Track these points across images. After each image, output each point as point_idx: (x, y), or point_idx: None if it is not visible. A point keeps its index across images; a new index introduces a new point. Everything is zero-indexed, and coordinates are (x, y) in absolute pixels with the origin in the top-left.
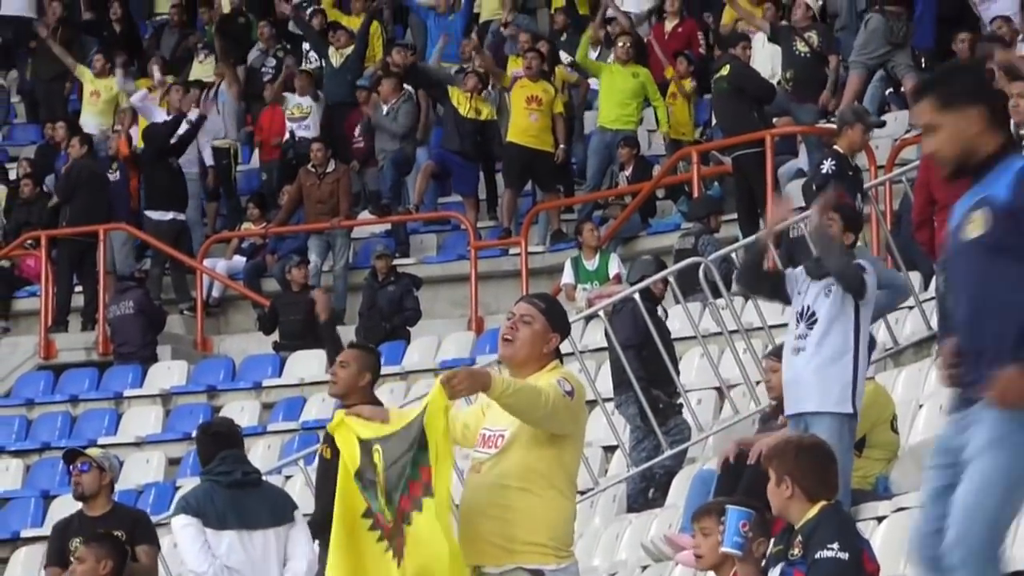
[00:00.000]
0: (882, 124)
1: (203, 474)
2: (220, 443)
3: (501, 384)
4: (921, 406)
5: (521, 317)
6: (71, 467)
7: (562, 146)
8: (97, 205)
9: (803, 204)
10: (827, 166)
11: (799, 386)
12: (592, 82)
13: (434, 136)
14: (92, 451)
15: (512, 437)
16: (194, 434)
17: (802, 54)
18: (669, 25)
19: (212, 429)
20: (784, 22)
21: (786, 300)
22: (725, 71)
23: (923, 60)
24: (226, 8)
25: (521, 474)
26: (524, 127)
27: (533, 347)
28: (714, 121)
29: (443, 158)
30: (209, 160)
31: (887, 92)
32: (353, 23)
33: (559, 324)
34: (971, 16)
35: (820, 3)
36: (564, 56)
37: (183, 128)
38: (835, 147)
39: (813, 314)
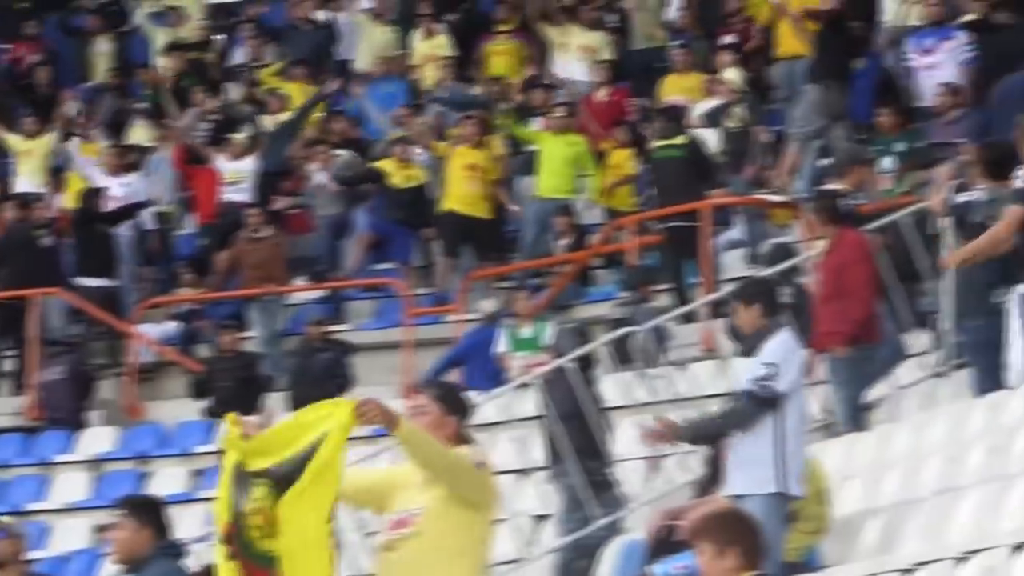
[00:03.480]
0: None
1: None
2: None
3: (408, 427)
4: (852, 478)
5: (418, 408)
6: None
7: (513, 207)
8: (30, 269)
9: (738, 274)
10: (845, 206)
11: (730, 467)
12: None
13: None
14: (4, 519)
15: (427, 515)
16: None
17: (732, 129)
18: (600, 95)
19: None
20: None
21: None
22: (680, 140)
23: (859, 132)
24: (168, 73)
25: (437, 551)
26: (462, 194)
27: (433, 432)
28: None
29: (379, 227)
30: (150, 224)
31: (823, 163)
32: (292, 89)
33: (455, 407)
34: (902, 88)
35: (750, 76)
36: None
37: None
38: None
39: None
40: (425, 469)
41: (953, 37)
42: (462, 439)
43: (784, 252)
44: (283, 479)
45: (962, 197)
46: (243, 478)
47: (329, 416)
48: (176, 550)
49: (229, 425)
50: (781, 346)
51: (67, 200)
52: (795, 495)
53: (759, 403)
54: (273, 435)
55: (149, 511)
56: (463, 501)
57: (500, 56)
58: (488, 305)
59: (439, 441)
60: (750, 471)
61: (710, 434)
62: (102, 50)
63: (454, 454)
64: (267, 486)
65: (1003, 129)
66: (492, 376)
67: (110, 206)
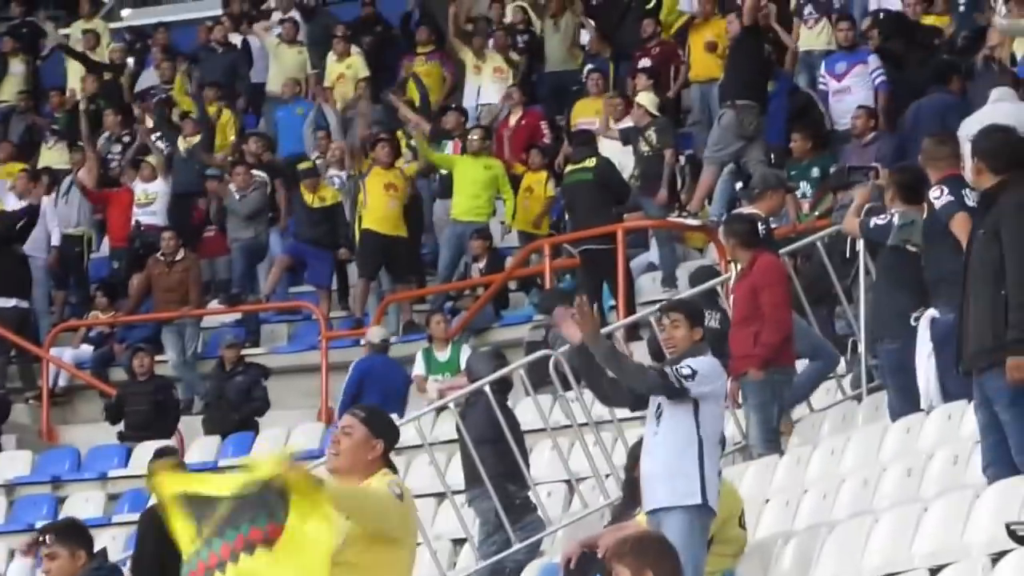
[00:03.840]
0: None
1: (98, 571)
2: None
3: (332, 488)
4: (768, 501)
5: (343, 429)
6: None
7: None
8: None
9: (653, 298)
10: (761, 230)
11: (652, 481)
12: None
13: (290, 223)
14: None
15: (344, 546)
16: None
17: (645, 152)
18: (513, 118)
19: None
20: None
21: (625, 403)
22: (591, 163)
23: (773, 156)
24: (78, 95)
25: None
26: (382, 214)
27: (356, 456)
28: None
29: (296, 249)
30: (56, 241)
31: (738, 187)
32: (211, 113)
33: (382, 431)
34: (815, 112)
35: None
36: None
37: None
38: (754, 211)
39: (660, 410)
40: (355, 520)
41: (865, 61)
42: (386, 463)
43: (708, 274)
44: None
45: (877, 220)
46: (199, 504)
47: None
48: (110, 569)
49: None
50: (707, 362)
51: None
52: (715, 510)
53: (664, 383)
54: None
55: (78, 535)
56: (384, 539)
57: (415, 79)
58: (376, 334)
59: (361, 467)
60: (673, 483)
61: (610, 363)
62: (15, 71)
63: (378, 498)
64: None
65: (916, 153)
66: (391, 402)
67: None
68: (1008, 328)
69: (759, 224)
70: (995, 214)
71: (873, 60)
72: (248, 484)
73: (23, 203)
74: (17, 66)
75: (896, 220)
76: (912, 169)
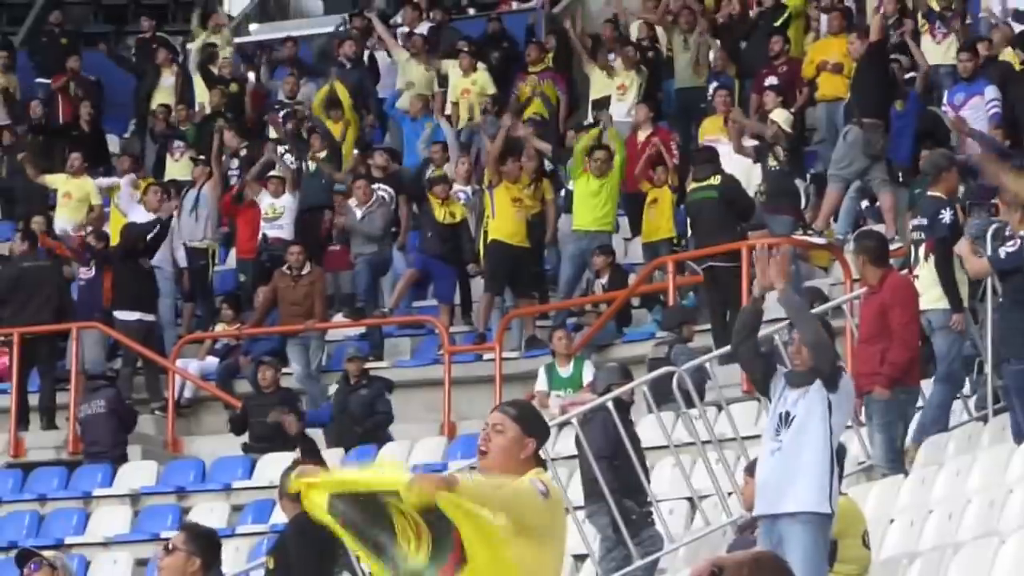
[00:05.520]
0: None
1: None
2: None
3: (462, 484)
4: (892, 521)
5: (494, 427)
6: (23, 568)
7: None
8: (64, 303)
9: (775, 316)
10: (947, 215)
11: (776, 487)
12: None
13: (410, 239)
14: (45, 552)
15: (481, 548)
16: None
17: (773, 168)
18: (642, 135)
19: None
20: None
21: (764, 391)
22: (715, 181)
23: (900, 174)
24: (207, 109)
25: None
26: (509, 227)
27: (508, 455)
28: (689, 231)
29: (424, 263)
30: (183, 262)
31: (863, 205)
32: (338, 128)
33: (534, 429)
34: (943, 130)
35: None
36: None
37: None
38: (935, 195)
39: (791, 418)
40: (489, 507)
41: (982, 93)
42: (538, 462)
43: (817, 295)
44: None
45: (1007, 249)
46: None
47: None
48: None
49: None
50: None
51: (111, 235)
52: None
53: (834, 359)
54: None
55: (204, 543)
56: (525, 531)
57: (539, 95)
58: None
59: (512, 466)
60: (803, 490)
61: (799, 314)
62: (166, 84)
63: (510, 488)
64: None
65: None
66: None
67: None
68: None
69: (946, 209)
70: None
71: (990, 91)
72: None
73: (151, 215)
74: (168, 79)
75: None
76: None
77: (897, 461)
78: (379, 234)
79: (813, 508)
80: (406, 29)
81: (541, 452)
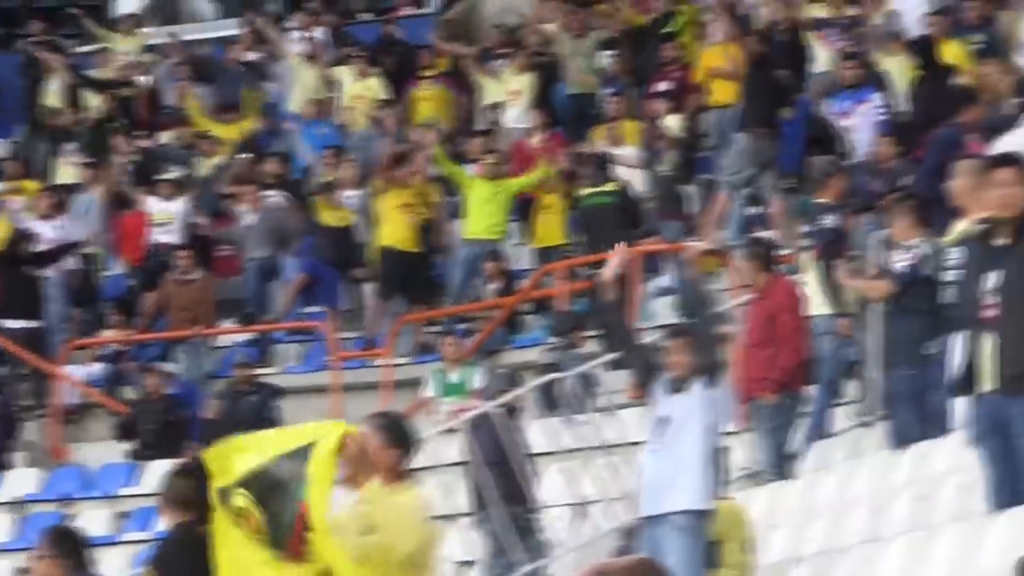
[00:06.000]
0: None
1: None
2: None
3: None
4: (777, 526)
5: (359, 438)
6: None
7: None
8: None
9: (667, 322)
10: (833, 221)
11: (657, 488)
12: None
13: (304, 244)
14: None
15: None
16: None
17: (663, 175)
18: (535, 140)
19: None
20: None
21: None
22: (609, 187)
23: (789, 181)
24: (98, 113)
25: None
26: (399, 232)
27: (369, 465)
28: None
29: (314, 268)
30: (73, 264)
31: (752, 212)
32: (229, 132)
33: (399, 440)
34: (832, 136)
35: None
36: None
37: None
38: (822, 201)
39: (670, 420)
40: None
41: (868, 100)
42: (400, 475)
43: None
44: (272, 483)
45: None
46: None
47: (315, 435)
48: None
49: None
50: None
51: None
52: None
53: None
54: (248, 442)
55: (70, 544)
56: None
57: (427, 101)
58: None
59: (373, 474)
60: (684, 485)
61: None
62: (56, 88)
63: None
64: (243, 496)
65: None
66: None
67: (41, 248)
68: None
69: (832, 215)
70: None
71: (877, 98)
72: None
73: (46, 225)
74: (57, 82)
75: (925, 250)
76: (921, 195)
77: (784, 466)
78: (268, 239)
79: (692, 506)
80: (299, 33)
81: (423, 459)
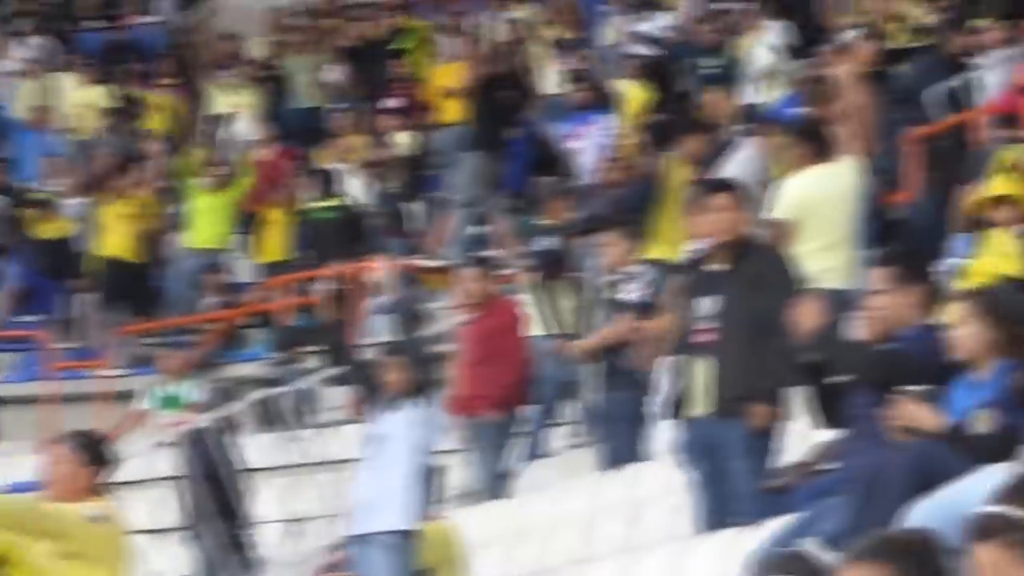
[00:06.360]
0: None
1: None
2: None
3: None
4: (489, 546)
5: (54, 457)
6: None
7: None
8: None
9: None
10: (552, 243)
11: (367, 507)
12: None
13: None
14: None
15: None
16: None
17: (390, 191)
18: (261, 153)
19: None
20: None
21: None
22: (335, 202)
23: (513, 201)
24: None
25: None
26: (121, 243)
27: (66, 484)
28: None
29: (29, 278)
30: None
31: (476, 231)
32: None
33: (94, 458)
34: (556, 158)
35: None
36: None
37: None
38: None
39: (382, 438)
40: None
41: (596, 122)
42: (95, 492)
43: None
44: None
45: (629, 296)
46: None
47: None
48: None
49: None
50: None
51: None
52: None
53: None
54: None
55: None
56: (72, 555)
57: (155, 110)
58: None
59: (72, 494)
60: (390, 506)
61: None
62: None
63: (55, 516)
64: None
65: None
66: None
67: None
68: (759, 377)
69: (552, 237)
70: (757, 264)
71: (604, 120)
72: None
73: None
74: None
75: (653, 275)
76: (632, 219)
77: (500, 486)
78: None
79: (398, 526)
80: (23, 39)
81: (136, 472)
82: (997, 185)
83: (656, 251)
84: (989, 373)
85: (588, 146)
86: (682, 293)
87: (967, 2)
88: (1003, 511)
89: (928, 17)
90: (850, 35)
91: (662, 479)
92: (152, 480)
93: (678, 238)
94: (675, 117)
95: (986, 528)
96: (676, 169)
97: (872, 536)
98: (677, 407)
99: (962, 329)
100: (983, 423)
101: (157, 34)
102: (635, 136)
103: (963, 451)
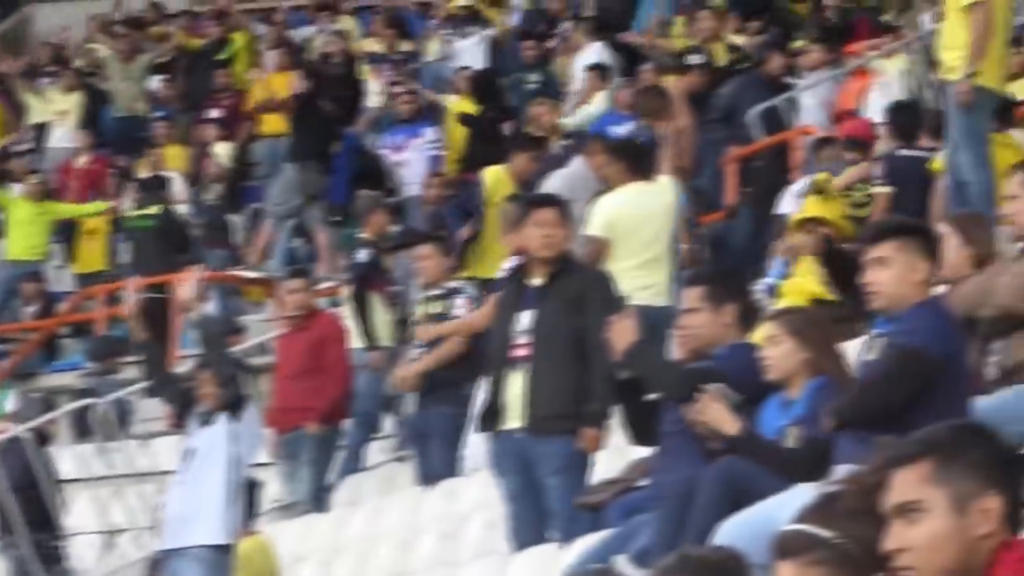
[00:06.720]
0: None
1: None
2: None
3: None
4: (307, 560)
5: None
6: None
7: None
8: None
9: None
10: (365, 256)
11: (181, 520)
12: None
13: None
14: None
15: None
16: None
17: (210, 202)
18: (79, 162)
19: None
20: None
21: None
22: (153, 210)
23: (335, 214)
24: None
25: None
26: None
27: None
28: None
29: None
30: None
31: (296, 243)
32: None
33: None
34: (379, 171)
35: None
36: None
37: None
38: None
39: (195, 452)
40: None
41: (421, 135)
42: None
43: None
44: None
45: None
46: None
47: None
48: None
49: None
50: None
51: None
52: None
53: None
54: None
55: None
56: None
57: None
58: None
59: None
60: (205, 520)
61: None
62: None
63: None
64: None
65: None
66: None
67: None
68: (586, 399)
69: (366, 250)
70: (577, 282)
71: (430, 133)
72: None
73: None
74: None
75: (470, 292)
76: (447, 235)
77: (322, 499)
78: None
79: (212, 541)
80: None
81: None
82: (808, 207)
83: (478, 268)
84: (800, 391)
85: (413, 159)
86: (499, 306)
87: (787, 24)
88: (807, 529)
89: (749, 39)
90: (672, 55)
91: (480, 494)
92: None
93: (499, 254)
94: (500, 131)
95: (789, 546)
96: (500, 184)
97: (678, 553)
98: (487, 420)
99: (772, 349)
100: (792, 439)
101: None
102: (459, 150)
103: (773, 468)
